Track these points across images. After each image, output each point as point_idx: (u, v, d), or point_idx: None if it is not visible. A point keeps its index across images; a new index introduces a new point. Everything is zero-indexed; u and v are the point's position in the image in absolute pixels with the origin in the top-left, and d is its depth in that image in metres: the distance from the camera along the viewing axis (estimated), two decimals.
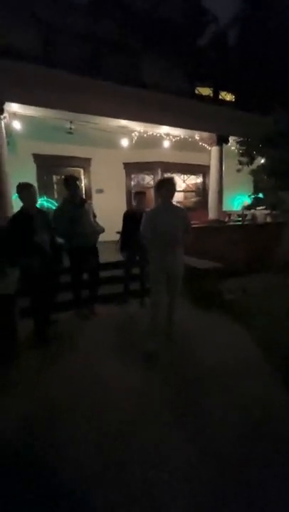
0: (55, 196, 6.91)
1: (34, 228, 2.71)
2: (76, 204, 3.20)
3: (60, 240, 3.27)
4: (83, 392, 2.05)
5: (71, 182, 3.18)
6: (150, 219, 2.54)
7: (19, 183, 2.75)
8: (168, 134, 5.87)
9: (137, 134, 5.63)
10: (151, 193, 8.01)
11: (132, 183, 7.95)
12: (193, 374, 2.25)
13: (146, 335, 2.73)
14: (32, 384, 2.17)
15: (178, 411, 1.84)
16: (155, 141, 6.17)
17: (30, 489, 1.33)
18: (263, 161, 5.67)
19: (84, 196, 6.45)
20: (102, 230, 3.41)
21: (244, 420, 1.75)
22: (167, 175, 8.06)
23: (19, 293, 2.85)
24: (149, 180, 8.06)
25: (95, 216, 3.41)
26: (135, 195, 3.74)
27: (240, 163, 5.52)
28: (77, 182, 3.26)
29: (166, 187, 2.55)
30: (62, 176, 7.01)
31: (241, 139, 5.64)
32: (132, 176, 7.95)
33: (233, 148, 5.99)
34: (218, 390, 2.05)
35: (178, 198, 8.82)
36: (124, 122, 5.15)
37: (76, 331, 3.11)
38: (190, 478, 1.37)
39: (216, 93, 7.57)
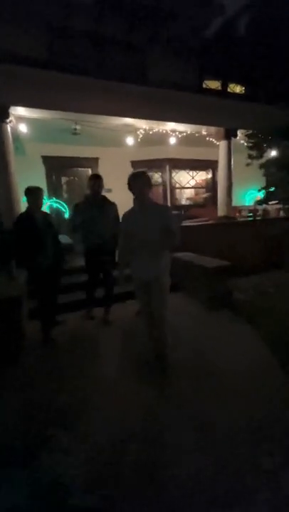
0: (64, 197, 6.97)
1: (38, 230, 2.77)
2: (95, 203, 3.15)
3: (66, 242, 3.29)
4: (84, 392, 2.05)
5: (93, 180, 3.15)
6: (122, 223, 2.30)
7: (27, 187, 2.84)
8: (174, 130, 5.76)
9: (143, 131, 5.56)
10: (159, 191, 7.95)
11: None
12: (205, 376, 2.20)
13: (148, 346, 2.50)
14: (36, 383, 2.21)
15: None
16: (162, 138, 6.08)
17: None
18: (273, 153, 5.46)
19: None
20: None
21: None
22: (175, 171, 7.96)
23: (26, 295, 2.90)
24: (157, 177, 7.97)
25: (117, 218, 3.18)
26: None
27: (250, 156, 5.33)
28: (100, 181, 3.15)
29: (137, 182, 2.11)
30: (72, 177, 7.11)
31: (250, 131, 5.44)
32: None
33: (242, 141, 5.81)
34: (229, 396, 1.99)
35: (187, 194, 8.70)
36: (129, 120, 5.10)
37: (84, 332, 3.12)
38: None
39: (225, 85, 7.36)
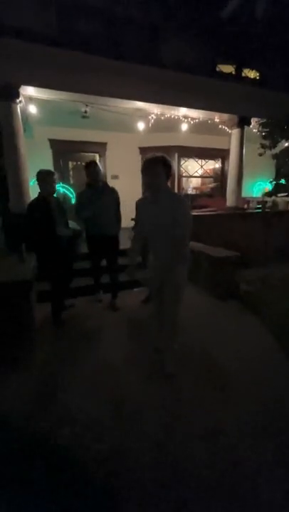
0: (71, 182, 6.90)
1: (51, 215, 2.74)
2: (97, 190, 3.14)
3: (77, 227, 3.29)
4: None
5: (90, 167, 3.11)
6: (136, 211, 2.15)
7: (40, 170, 2.75)
8: (186, 116, 5.61)
9: (154, 116, 5.42)
10: None
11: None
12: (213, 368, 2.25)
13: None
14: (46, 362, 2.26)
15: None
16: (172, 124, 5.93)
17: None
18: (287, 144, 5.33)
19: None
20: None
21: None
22: (184, 160, 7.81)
23: (36, 278, 2.92)
24: None
25: (118, 204, 3.26)
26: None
27: (263, 146, 5.20)
28: (97, 167, 3.14)
29: (155, 168, 1.86)
30: (79, 162, 7.00)
31: (264, 120, 5.29)
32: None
33: (255, 130, 5.66)
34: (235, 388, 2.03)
35: (194, 183, 8.58)
36: (140, 104, 4.97)
37: (90, 317, 3.17)
38: None
39: (239, 70, 7.08)
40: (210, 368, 2.21)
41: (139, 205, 2.12)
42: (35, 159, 5.10)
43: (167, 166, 1.89)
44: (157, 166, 1.86)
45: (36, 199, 2.80)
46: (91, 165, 3.12)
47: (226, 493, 1.26)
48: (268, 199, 6.54)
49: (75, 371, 2.18)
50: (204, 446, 1.50)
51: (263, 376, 2.10)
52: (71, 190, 6.58)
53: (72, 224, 4.03)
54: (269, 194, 5.92)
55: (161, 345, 2.25)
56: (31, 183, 4.67)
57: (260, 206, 6.74)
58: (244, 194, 6.70)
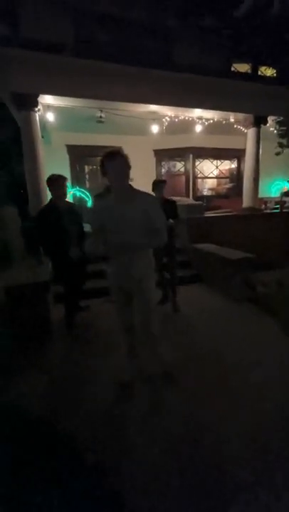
0: (87, 186, 7.06)
1: (60, 221, 2.70)
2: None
3: (88, 231, 3.33)
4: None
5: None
6: (95, 214, 1.80)
7: (49, 176, 2.75)
8: (201, 117, 5.60)
9: (168, 119, 5.45)
10: (181, 181, 7.82)
11: (163, 170, 7.81)
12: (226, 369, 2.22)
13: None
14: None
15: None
16: (187, 126, 5.93)
17: None
18: None
19: None
20: None
21: None
22: (199, 161, 7.77)
23: (52, 280, 3.02)
24: (180, 167, 7.84)
25: None
26: (153, 185, 3.43)
27: (280, 145, 5.08)
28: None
29: (115, 163, 1.59)
30: (95, 167, 7.16)
31: (282, 118, 5.16)
32: (163, 163, 7.79)
33: (271, 129, 5.53)
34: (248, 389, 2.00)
35: (210, 184, 8.49)
36: (154, 107, 5.02)
37: (105, 317, 3.22)
38: None
39: (255, 69, 6.96)
40: (223, 371, 2.18)
41: (99, 208, 1.80)
42: (53, 164, 5.28)
43: (126, 158, 1.64)
44: (125, 161, 1.61)
45: (46, 205, 2.82)
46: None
47: None
48: (286, 199, 6.36)
49: (84, 370, 2.24)
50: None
51: (278, 379, 2.05)
52: (87, 193, 6.74)
53: (87, 227, 4.13)
54: (288, 193, 5.75)
55: (149, 353, 2.04)
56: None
57: (278, 206, 6.56)
58: (261, 194, 6.55)
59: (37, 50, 3.92)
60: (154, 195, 1.86)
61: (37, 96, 4.14)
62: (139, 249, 1.70)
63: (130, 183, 1.69)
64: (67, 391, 2.00)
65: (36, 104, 4.17)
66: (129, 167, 1.66)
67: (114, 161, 1.59)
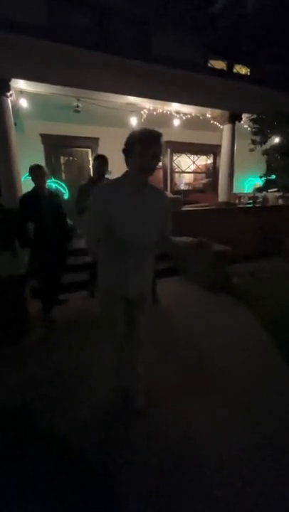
0: (63, 177, 6.85)
1: (43, 209, 2.75)
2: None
3: (70, 223, 3.28)
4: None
5: (97, 161, 3.14)
6: (102, 206, 1.37)
7: (31, 165, 2.81)
8: (178, 111, 5.64)
9: (146, 111, 5.43)
10: (159, 175, 7.86)
11: None
12: (200, 353, 2.33)
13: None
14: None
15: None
16: (165, 120, 5.94)
17: None
18: (277, 140, 5.42)
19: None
20: None
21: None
22: (177, 155, 7.85)
23: (29, 273, 2.93)
24: None
25: None
26: None
27: (254, 142, 5.28)
28: (105, 162, 3.15)
29: (154, 145, 1.26)
30: (72, 158, 6.94)
31: (255, 115, 5.37)
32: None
33: (246, 126, 5.73)
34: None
35: (187, 179, 8.63)
36: (132, 99, 4.96)
37: (84, 312, 3.21)
38: None
39: (231, 66, 7.14)
40: (198, 357, 2.28)
41: (109, 194, 1.37)
42: (26, 154, 5.06)
43: (160, 145, 1.31)
44: (158, 143, 1.29)
45: (28, 193, 2.85)
46: (100, 158, 3.15)
47: None
48: (258, 194, 6.66)
49: (61, 363, 2.24)
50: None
51: (251, 364, 2.19)
52: (63, 185, 6.54)
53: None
54: (260, 190, 6.04)
55: (129, 371, 1.72)
56: (23, 179, 4.64)
57: (251, 201, 6.86)
58: (236, 190, 6.80)
59: (8, 30, 3.69)
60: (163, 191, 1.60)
61: (9, 80, 3.92)
62: (150, 252, 1.51)
63: (108, 175, 1.41)
64: (42, 387, 1.98)
65: (8, 88, 3.95)
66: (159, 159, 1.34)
67: (155, 143, 1.27)
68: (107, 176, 3.30)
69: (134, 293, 1.52)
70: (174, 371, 2.12)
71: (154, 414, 1.68)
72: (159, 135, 1.29)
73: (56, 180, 6.57)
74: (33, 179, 2.81)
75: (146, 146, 1.25)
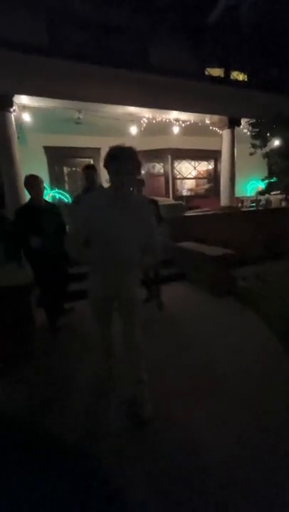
0: (66, 188, 6.97)
1: (39, 221, 2.67)
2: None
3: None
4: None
5: (87, 172, 3.17)
6: (83, 214, 1.45)
7: (25, 176, 2.75)
8: (177, 119, 5.73)
9: (146, 120, 5.53)
10: (161, 182, 7.94)
11: (142, 171, 7.86)
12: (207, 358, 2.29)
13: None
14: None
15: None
16: (164, 127, 6.04)
17: None
18: (276, 143, 5.45)
19: None
20: None
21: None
22: (177, 162, 7.92)
23: (33, 283, 2.94)
24: (159, 168, 7.95)
25: None
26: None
27: (253, 146, 5.32)
28: (93, 171, 3.18)
29: (128, 160, 1.34)
30: (74, 168, 7.07)
31: (254, 120, 5.42)
32: (142, 164, 7.84)
33: (245, 130, 5.78)
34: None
35: (189, 185, 8.68)
36: (131, 109, 5.07)
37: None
38: None
39: (228, 73, 7.24)
40: (206, 362, 2.25)
41: (89, 204, 1.47)
42: (30, 166, 5.14)
43: (139, 160, 1.41)
44: (131, 158, 1.36)
45: (23, 205, 2.80)
46: (88, 168, 3.18)
47: None
48: (261, 197, 6.65)
49: (67, 372, 2.23)
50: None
51: (259, 369, 2.15)
52: (67, 195, 6.64)
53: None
54: (262, 192, 6.04)
55: (131, 378, 1.69)
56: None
57: (254, 205, 6.84)
58: (238, 194, 6.81)
59: (10, 48, 3.83)
60: (146, 200, 1.66)
61: (12, 96, 4.05)
62: (132, 264, 1.48)
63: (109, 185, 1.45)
64: (47, 394, 1.97)
65: (11, 104, 4.08)
66: (139, 171, 1.45)
67: (123, 160, 1.34)
68: (107, 184, 3.33)
69: (118, 292, 1.55)
70: (178, 375, 2.09)
71: (157, 417, 1.66)
72: (129, 152, 1.35)
73: (60, 191, 6.68)
74: (28, 190, 2.73)
75: (115, 163, 1.34)
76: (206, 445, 1.49)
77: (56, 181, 6.81)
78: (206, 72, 6.86)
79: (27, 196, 3.07)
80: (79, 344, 2.66)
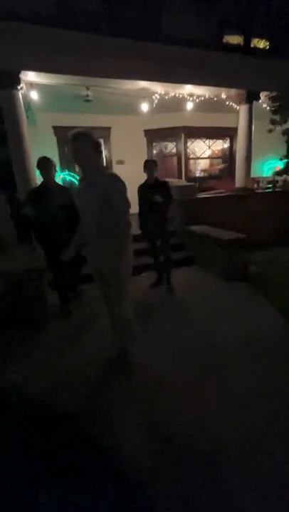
0: (77, 170, 6.86)
1: (51, 203, 2.67)
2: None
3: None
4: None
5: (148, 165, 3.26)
6: (74, 198, 1.93)
7: (38, 158, 2.76)
8: (191, 94, 5.39)
9: (158, 96, 5.24)
10: (174, 162, 7.67)
11: (154, 151, 7.61)
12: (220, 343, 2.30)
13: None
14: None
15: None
16: (177, 104, 5.72)
17: None
18: None
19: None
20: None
21: None
22: (191, 140, 7.58)
23: (46, 266, 2.98)
24: (171, 147, 7.65)
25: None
26: (144, 165, 3.39)
27: (273, 122, 4.98)
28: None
29: (76, 144, 1.65)
30: None
31: (275, 93, 5.02)
32: (154, 144, 7.56)
33: (264, 105, 5.39)
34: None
35: (202, 165, 8.35)
36: (143, 84, 4.79)
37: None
38: None
39: (248, 41, 6.66)
40: (215, 347, 2.25)
41: (76, 191, 1.97)
42: (39, 147, 5.07)
43: (94, 142, 1.69)
44: (84, 142, 1.64)
45: (35, 187, 2.83)
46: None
47: None
48: (278, 178, 6.33)
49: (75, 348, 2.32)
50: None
51: (268, 353, 2.14)
52: (77, 177, 6.56)
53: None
54: (280, 173, 5.73)
55: (116, 343, 2.15)
56: (38, 173, 4.69)
57: (270, 186, 6.53)
58: (254, 174, 6.49)
59: (15, 21, 3.64)
60: (116, 177, 1.73)
61: (18, 73, 3.90)
62: (102, 233, 1.74)
63: (121, 165, 1.74)
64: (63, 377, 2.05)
65: (18, 81, 3.94)
66: (92, 148, 1.67)
67: (73, 142, 1.64)
68: (118, 165, 3.27)
69: (101, 266, 1.86)
70: (186, 359, 2.11)
71: (166, 401, 1.70)
72: (76, 134, 1.63)
73: (70, 173, 6.60)
74: (41, 172, 2.74)
75: (70, 145, 1.67)
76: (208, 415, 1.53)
77: (66, 163, 6.71)
78: (224, 40, 6.34)
79: (38, 178, 3.05)
80: (92, 325, 2.73)
